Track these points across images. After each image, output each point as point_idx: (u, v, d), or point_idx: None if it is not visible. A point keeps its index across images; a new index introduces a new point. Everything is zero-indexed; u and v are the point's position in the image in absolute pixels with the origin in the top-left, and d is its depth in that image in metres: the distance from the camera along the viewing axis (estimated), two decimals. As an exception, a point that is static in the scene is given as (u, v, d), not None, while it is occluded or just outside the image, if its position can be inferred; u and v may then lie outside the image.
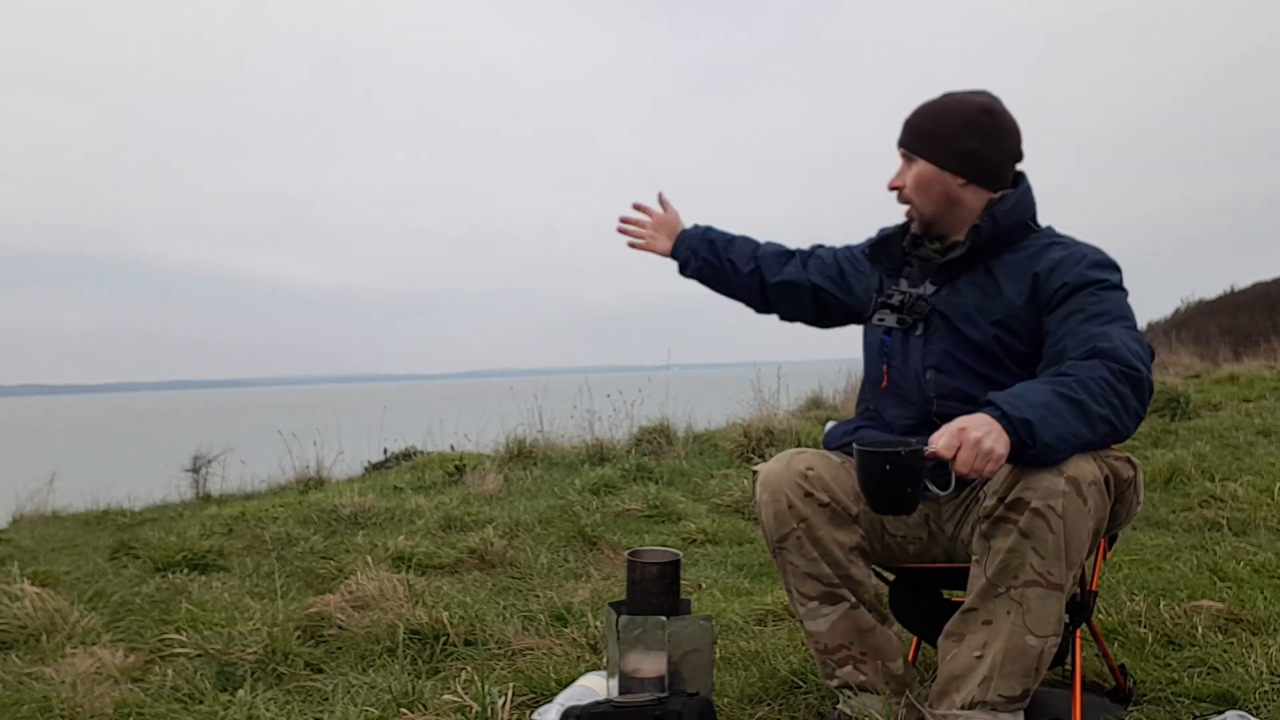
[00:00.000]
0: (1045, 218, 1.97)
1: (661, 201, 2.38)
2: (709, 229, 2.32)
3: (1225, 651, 2.31)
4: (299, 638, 2.77)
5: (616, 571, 3.68)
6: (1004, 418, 1.56)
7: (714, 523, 4.51)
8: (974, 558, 1.72)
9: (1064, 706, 1.93)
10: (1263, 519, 3.82)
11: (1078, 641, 1.90)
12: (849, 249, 2.19)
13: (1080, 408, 1.60)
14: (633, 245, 2.39)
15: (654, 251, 2.35)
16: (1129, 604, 2.70)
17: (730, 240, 2.29)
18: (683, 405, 7.64)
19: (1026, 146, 1.96)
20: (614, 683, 2.03)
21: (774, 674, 2.33)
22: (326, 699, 2.33)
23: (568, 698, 2.05)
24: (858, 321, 2.15)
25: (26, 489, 6.67)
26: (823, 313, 2.22)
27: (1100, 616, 2.60)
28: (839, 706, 1.90)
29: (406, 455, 8.12)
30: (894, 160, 1.97)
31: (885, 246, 2.05)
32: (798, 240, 2.31)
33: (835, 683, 1.92)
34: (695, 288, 2.35)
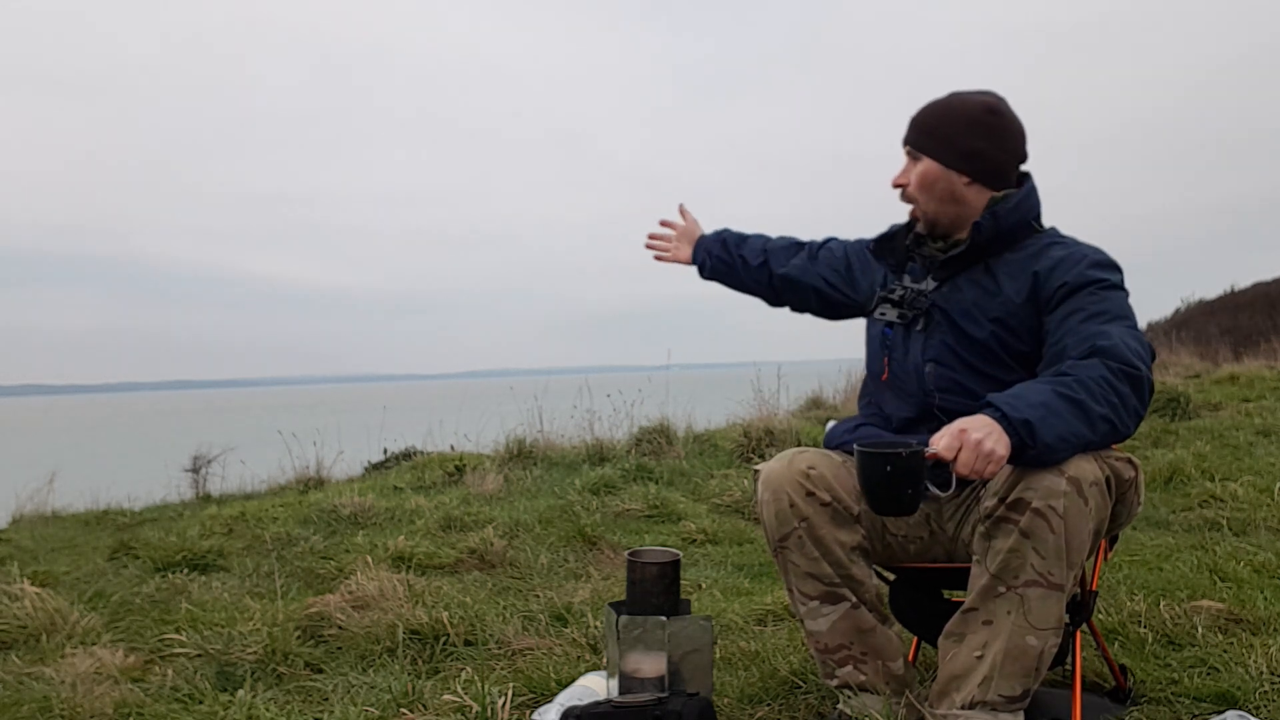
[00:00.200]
0: (1045, 218, 1.97)
1: (682, 212, 2.47)
2: (724, 230, 2.39)
3: (1225, 652, 2.31)
4: (299, 638, 2.77)
5: (616, 571, 3.68)
6: (1004, 419, 1.56)
7: (714, 523, 4.51)
8: (975, 558, 1.72)
9: (1064, 706, 1.93)
10: (1263, 519, 3.82)
11: (1078, 641, 1.90)
12: (860, 243, 2.21)
13: (1080, 407, 1.60)
14: (659, 258, 2.47)
15: (679, 261, 2.44)
16: (1129, 604, 2.70)
17: (743, 239, 2.35)
18: (683, 405, 7.64)
19: (1027, 146, 1.96)
20: (614, 683, 2.03)
21: (774, 674, 2.33)
22: (326, 699, 2.33)
23: (568, 698, 2.06)
24: (863, 315, 2.16)
25: (26, 489, 6.67)
26: (828, 307, 2.24)
27: (1100, 616, 2.61)
28: (839, 706, 1.91)
29: (406, 455, 8.12)
30: (895, 159, 1.99)
31: (890, 242, 2.07)
32: (806, 238, 2.33)
33: (835, 682, 1.92)
34: (695, 288, 2.40)
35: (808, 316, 2.30)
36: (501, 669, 2.51)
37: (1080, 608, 1.86)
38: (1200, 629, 2.46)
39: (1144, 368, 1.67)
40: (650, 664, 1.98)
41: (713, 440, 7.03)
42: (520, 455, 6.71)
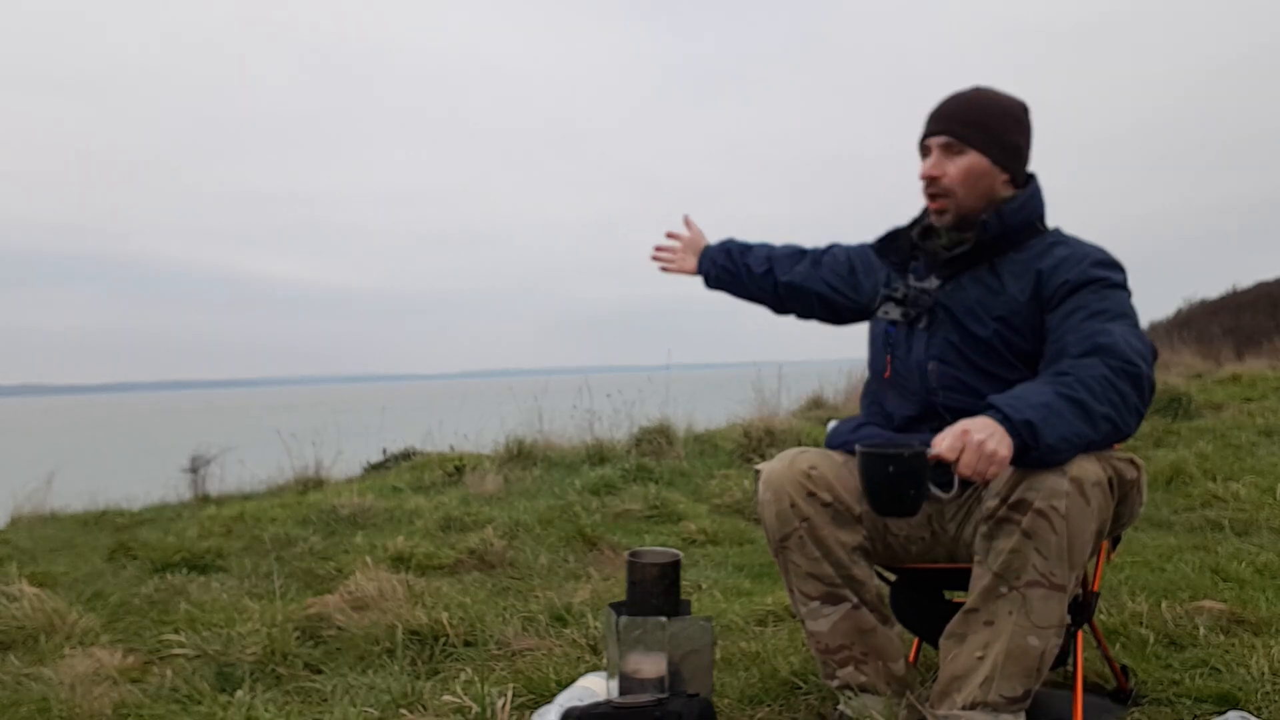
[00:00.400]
0: (1047, 218, 1.97)
1: (687, 223, 2.47)
2: (729, 240, 2.38)
3: (1227, 652, 2.31)
4: (298, 638, 2.77)
5: (616, 572, 3.67)
6: (1006, 420, 1.56)
7: (714, 523, 4.51)
8: (976, 558, 1.71)
9: (1065, 707, 1.92)
10: (1265, 519, 3.82)
11: (1079, 642, 1.90)
12: (862, 246, 2.20)
13: (1082, 407, 1.60)
14: (665, 269, 2.47)
15: (684, 272, 2.44)
16: (1131, 605, 2.69)
17: (747, 247, 2.35)
18: (683, 405, 7.64)
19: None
20: (614, 683, 2.02)
21: (774, 674, 2.32)
22: (325, 700, 2.33)
23: (567, 698, 2.05)
24: (867, 318, 2.16)
25: (25, 489, 6.67)
26: (832, 312, 2.24)
27: (1102, 617, 2.60)
28: (840, 707, 1.90)
29: (406, 455, 8.12)
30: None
31: (893, 242, 2.06)
32: (804, 241, 2.33)
33: (836, 683, 1.91)
34: (695, 288, 2.41)
35: (812, 322, 2.30)
36: (501, 670, 2.50)
37: (1082, 608, 1.86)
38: (1202, 630, 2.46)
39: (1144, 366, 1.67)
40: (650, 665, 1.97)
41: (713, 440, 7.02)
42: (520, 455, 6.71)
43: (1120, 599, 2.79)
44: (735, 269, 2.32)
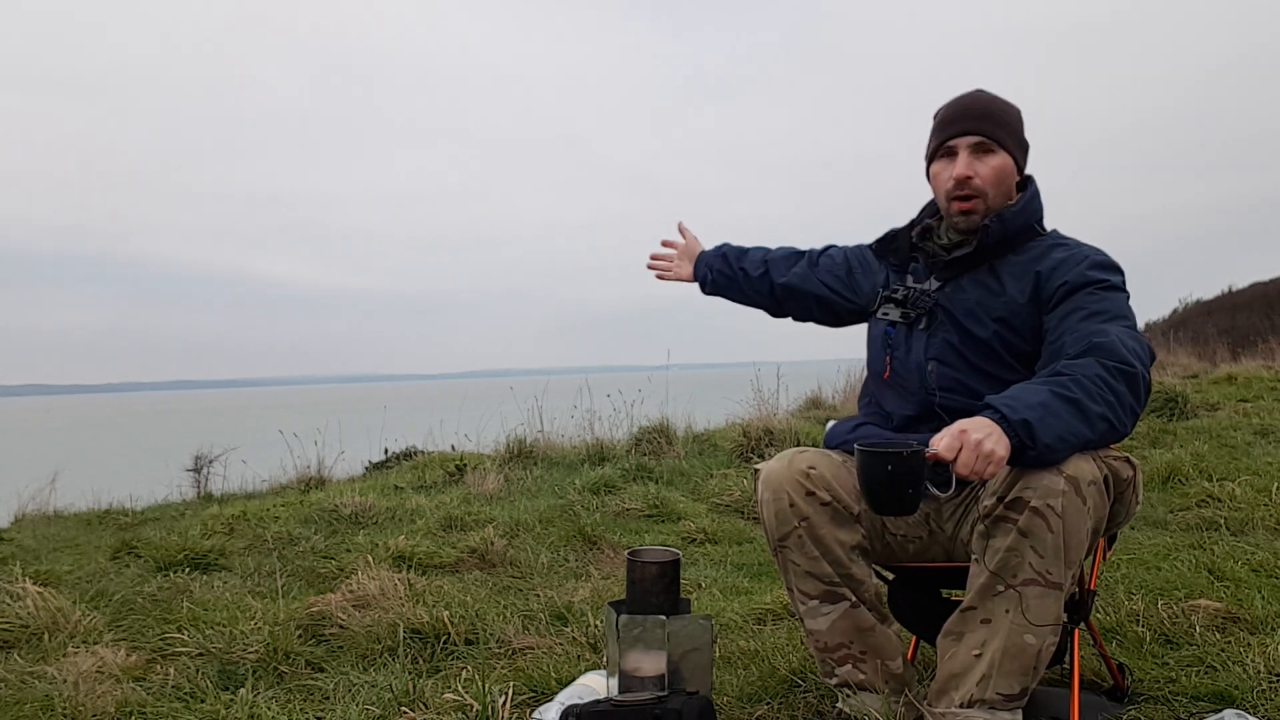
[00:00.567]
0: (1046, 218, 1.99)
1: (682, 230, 2.47)
2: (724, 245, 2.39)
3: (1223, 650, 2.32)
4: (300, 637, 2.78)
5: (616, 571, 3.69)
6: (1003, 420, 1.57)
7: (714, 522, 4.52)
8: (973, 556, 1.73)
9: (1062, 705, 1.93)
10: (1260, 518, 3.83)
11: (1076, 640, 1.91)
12: (859, 248, 2.21)
13: (1078, 406, 1.61)
14: (661, 278, 2.48)
15: (681, 279, 2.45)
16: (1127, 603, 2.71)
17: (743, 252, 2.35)
18: (683, 405, 7.65)
19: (1031, 146, 2.00)
20: (614, 681, 2.03)
21: (773, 673, 2.34)
22: (327, 698, 2.34)
23: (568, 696, 2.06)
24: (865, 319, 2.17)
25: (29, 489, 6.68)
26: (830, 313, 2.24)
27: (1098, 615, 2.61)
28: (838, 705, 1.92)
29: (407, 455, 8.13)
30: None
31: (892, 243, 2.08)
32: (803, 243, 2.34)
33: (835, 681, 1.92)
34: (695, 289, 2.40)
35: (810, 324, 2.31)
36: (502, 668, 2.52)
37: (1078, 606, 1.87)
38: (1198, 628, 2.47)
39: (1140, 366, 1.68)
40: (650, 663, 1.99)
41: (712, 440, 7.04)
42: (520, 455, 6.72)
43: (1117, 597, 2.80)
44: (732, 274, 2.33)
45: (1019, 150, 1.94)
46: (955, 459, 1.54)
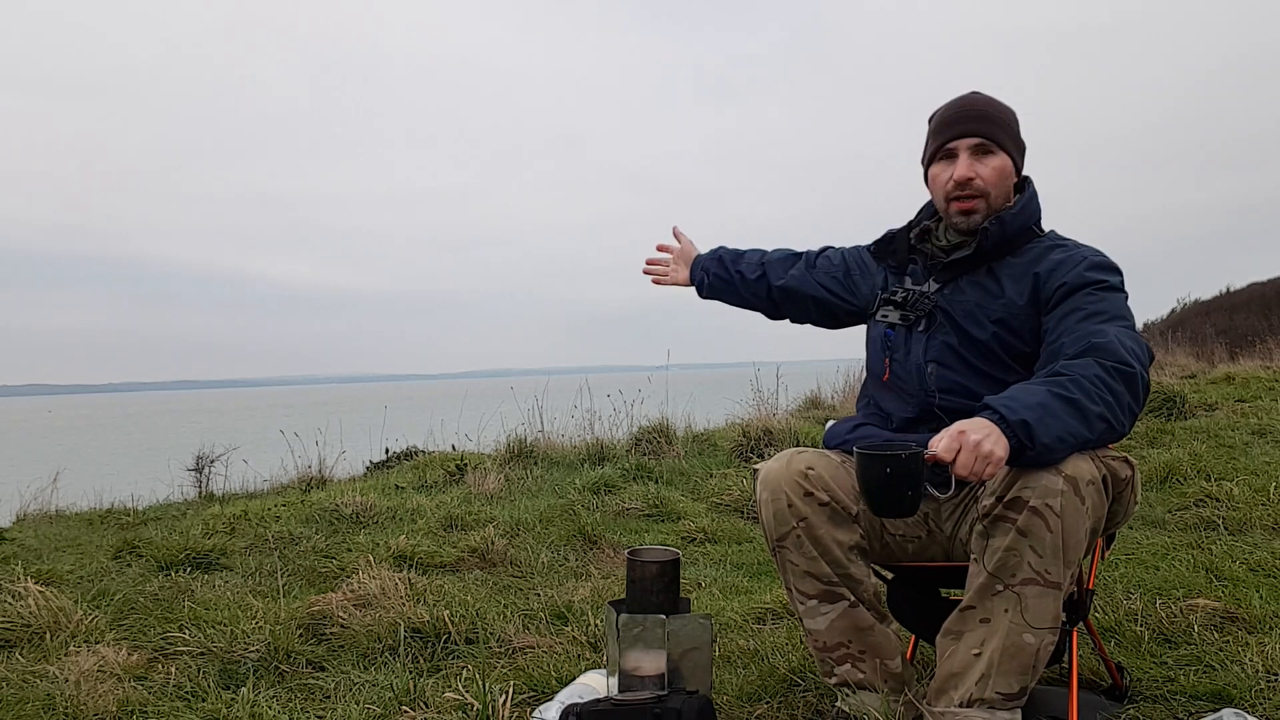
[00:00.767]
0: (1045, 219, 1.99)
1: (677, 235, 2.47)
2: (720, 249, 2.39)
3: (1221, 650, 2.33)
4: (301, 636, 2.79)
5: (616, 570, 3.70)
6: (1002, 421, 1.57)
7: (713, 522, 4.53)
8: (972, 556, 1.73)
9: (1061, 704, 1.94)
10: (1258, 518, 3.83)
11: (1075, 639, 1.91)
12: (857, 249, 2.22)
13: (1076, 406, 1.61)
14: (657, 282, 2.48)
15: (677, 283, 2.44)
16: (1125, 602, 2.71)
17: (740, 254, 2.35)
18: (682, 405, 7.66)
19: (1028, 148, 2.00)
20: (614, 681, 2.04)
21: (773, 672, 2.34)
22: (328, 697, 2.35)
23: (568, 695, 2.07)
24: (864, 321, 2.17)
25: (31, 488, 6.69)
26: (828, 315, 2.24)
27: (1097, 615, 2.62)
28: (837, 704, 1.92)
29: (408, 455, 8.14)
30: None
31: (890, 244, 2.08)
32: (803, 244, 2.34)
33: (834, 680, 1.93)
34: (692, 293, 2.40)
35: (808, 326, 2.31)
36: (502, 667, 2.53)
37: (1077, 606, 1.88)
38: (1196, 627, 2.48)
39: (1139, 366, 1.68)
40: (650, 662, 1.99)
41: (712, 440, 7.04)
42: (521, 455, 6.72)
43: (1115, 597, 2.81)
44: (728, 277, 2.32)
45: (1017, 151, 1.95)
46: (954, 460, 1.54)
